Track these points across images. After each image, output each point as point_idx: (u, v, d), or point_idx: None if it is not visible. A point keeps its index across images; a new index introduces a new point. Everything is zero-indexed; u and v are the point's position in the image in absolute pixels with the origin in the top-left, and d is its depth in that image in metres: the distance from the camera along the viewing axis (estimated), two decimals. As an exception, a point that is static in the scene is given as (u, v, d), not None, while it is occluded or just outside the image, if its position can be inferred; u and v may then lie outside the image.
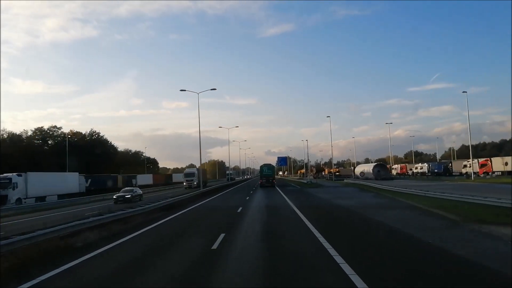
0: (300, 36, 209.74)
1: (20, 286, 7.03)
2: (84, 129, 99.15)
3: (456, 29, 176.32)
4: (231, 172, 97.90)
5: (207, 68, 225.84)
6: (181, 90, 36.64)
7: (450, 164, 76.76)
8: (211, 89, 37.56)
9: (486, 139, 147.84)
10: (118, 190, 65.16)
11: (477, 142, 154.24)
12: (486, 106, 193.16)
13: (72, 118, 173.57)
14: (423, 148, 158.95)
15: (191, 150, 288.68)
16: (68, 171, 71.91)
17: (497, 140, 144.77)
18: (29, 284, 7.18)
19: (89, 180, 59.75)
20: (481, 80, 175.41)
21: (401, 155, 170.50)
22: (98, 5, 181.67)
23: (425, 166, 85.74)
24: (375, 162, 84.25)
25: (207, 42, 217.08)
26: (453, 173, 73.92)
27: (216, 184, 63.34)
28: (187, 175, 64.44)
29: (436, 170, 79.24)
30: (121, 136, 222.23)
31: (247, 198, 29.61)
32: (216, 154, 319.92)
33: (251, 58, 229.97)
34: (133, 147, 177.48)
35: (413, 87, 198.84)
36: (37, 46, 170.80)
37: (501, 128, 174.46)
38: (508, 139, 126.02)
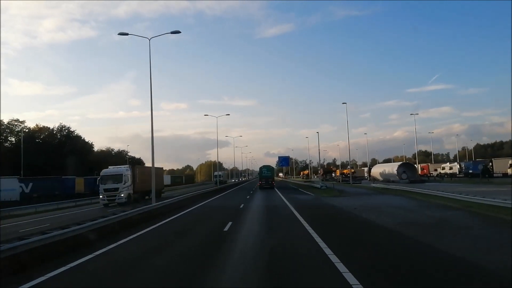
0: (299, 36, 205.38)
1: None
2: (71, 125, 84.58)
3: (455, 30, 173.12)
4: (220, 173, 79.79)
5: (206, 69, 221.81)
6: (121, 34, 22.02)
7: (490, 164, 62.03)
8: (172, 32, 22.86)
9: (486, 140, 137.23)
10: (75, 196, 51.22)
11: (476, 144, 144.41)
12: (485, 107, 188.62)
13: (70, 120, 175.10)
14: (422, 149, 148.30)
15: (190, 152, 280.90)
16: (24, 174, 58.10)
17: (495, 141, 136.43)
18: None
19: (30, 185, 44.84)
20: (480, 81, 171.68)
21: (404, 156, 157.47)
22: (96, 5, 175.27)
23: (455, 166, 71.06)
24: (399, 162, 69.22)
25: (206, 43, 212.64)
26: (495, 174, 59.53)
27: (199, 189, 47.22)
28: (105, 178, 33.24)
29: (471, 171, 64.55)
30: (120, 138, 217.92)
31: (227, 228, 13.98)
32: (215, 155, 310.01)
33: (250, 59, 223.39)
34: (132, 149, 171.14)
35: (412, 88, 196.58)
36: (34, 47, 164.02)
37: (501, 129, 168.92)
38: (506, 140, 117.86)
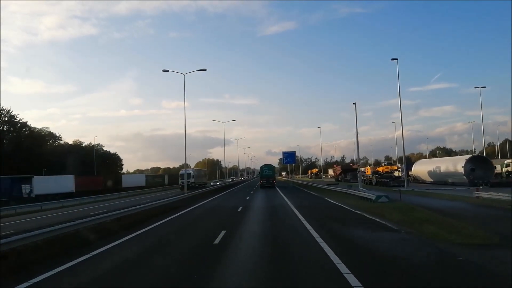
0: (301, 34, 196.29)
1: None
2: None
3: (458, 28, 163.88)
4: (191, 172, 52.77)
5: (207, 67, 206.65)
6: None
7: None
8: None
9: (489, 139, 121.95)
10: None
11: (477, 143, 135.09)
12: (488, 106, 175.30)
13: (72, 118, 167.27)
14: (424, 148, 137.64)
15: (192, 151, 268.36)
16: None
17: (499, 140, 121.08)
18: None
19: None
20: (482, 80, 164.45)
21: (421, 153, 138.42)
22: (96, 2, 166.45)
23: (527, 162, 50.37)
24: (465, 155, 48.39)
25: (208, 40, 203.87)
26: None
27: (151, 200, 24.41)
28: None
29: None
30: (121, 136, 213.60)
31: None
32: (217, 154, 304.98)
33: (251, 57, 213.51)
34: (132, 148, 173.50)
35: (415, 87, 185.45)
36: (35, 45, 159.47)
37: (504, 128, 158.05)
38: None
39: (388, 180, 42.29)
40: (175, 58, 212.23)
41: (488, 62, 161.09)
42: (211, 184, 67.47)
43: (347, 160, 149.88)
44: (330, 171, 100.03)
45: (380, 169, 50.04)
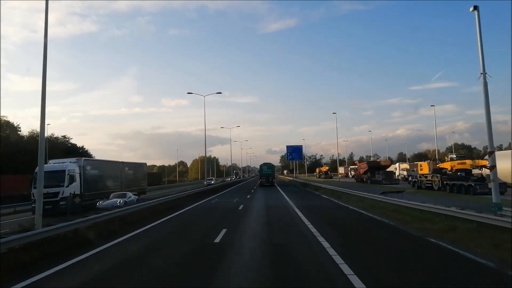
0: (302, 32, 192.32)
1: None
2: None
3: (459, 27, 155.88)
4: (69, 168, 20.54)
5: (208, 64, 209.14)
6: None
7: None
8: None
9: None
10: None
11: (480, 142, 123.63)
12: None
13: (72, 116, 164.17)
14: (425, 147, 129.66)
15: (191, 148, 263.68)
16: None
17: (501, 138, 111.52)
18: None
19: None
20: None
21: (438, 150, 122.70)
22: None
23: None
24: None
25: (208, 38, 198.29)
26: None
27: None
28: None
29: None
30: (122, 135, 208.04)
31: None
32: (217, 153, 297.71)
33: (252, 54, 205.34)
34: (133, 146, 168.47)
35: (415, 85, 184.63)
36: (34, 42, 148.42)
37: (505, 127, 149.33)
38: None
39: (471, 184, 24.96)
40: (176, 56, 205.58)
41: (489, 61, 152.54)
42: (99, 203, 20.89)
43: (356, 158, 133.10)
44: (341, 170, 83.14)
45: (446, 165, 31.66)
